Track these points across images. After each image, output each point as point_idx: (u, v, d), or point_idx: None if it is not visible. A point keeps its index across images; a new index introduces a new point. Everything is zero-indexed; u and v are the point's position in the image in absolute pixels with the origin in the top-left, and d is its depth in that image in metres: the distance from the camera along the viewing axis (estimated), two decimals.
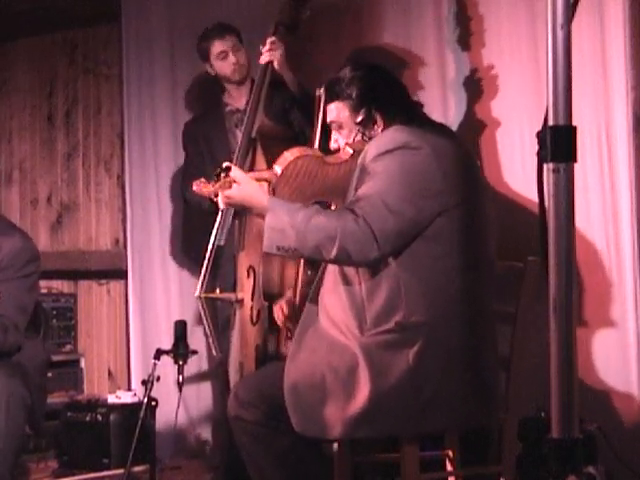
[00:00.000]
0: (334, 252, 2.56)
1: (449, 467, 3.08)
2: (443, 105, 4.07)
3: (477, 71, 4.00)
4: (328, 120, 2.91)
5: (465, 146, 2.89)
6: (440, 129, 2.85)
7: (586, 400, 3.54)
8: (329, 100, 2.90)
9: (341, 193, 2.84)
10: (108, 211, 5.31)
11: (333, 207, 2.99)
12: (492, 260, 2.79)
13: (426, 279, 2.63)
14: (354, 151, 2.84)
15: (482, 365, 2.70)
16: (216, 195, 2.82)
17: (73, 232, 5.42)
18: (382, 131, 2.79)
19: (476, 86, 4.00)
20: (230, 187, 2.75)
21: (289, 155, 2.87)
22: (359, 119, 2.82)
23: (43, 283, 4.72)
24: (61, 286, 5.34)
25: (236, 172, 2.77)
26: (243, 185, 2.74)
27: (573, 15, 1.72)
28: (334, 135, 2.91)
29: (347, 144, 2.87)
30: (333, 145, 2.92)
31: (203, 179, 2.89)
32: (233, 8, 4.55)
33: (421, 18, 4.15)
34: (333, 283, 2.73)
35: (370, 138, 2.80)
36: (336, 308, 2.70)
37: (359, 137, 2.84)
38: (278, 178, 2.83)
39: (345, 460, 3.02)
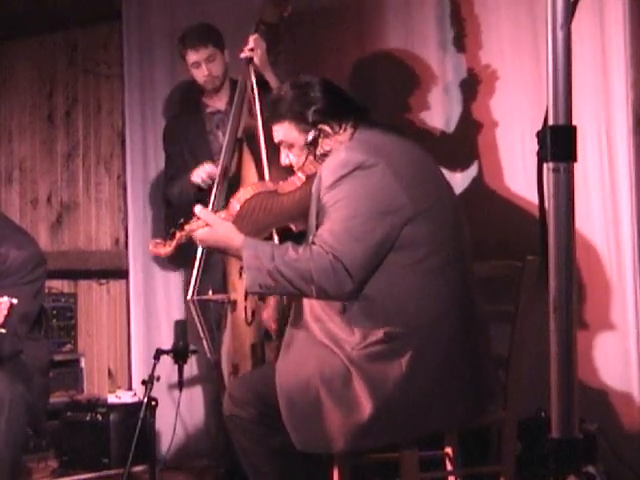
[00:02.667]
0: (313, 292, 2.59)
1: (449, 466, 3.08)
2: (444, 106, 4.07)
3: (477, 71, 4.00)
4: (276, 140, 2.87)
5: (416, 145, 2.83)
6: (389, 131, 2.83)
7: (586, 400, 3.54)
8: (274, 121, 2.85)
9: (300, 216, 2.85)
10: (108, 211, 5.31)
11: (293, 227, 3.02)
12: (469, 255, 2.78)
13: (407, 286, 2.62)
14: (307, 176, 2.84)
15: (476, 361, 2.70)
16: (174, 250, 2.89)
17: (73, 232, 5.42)
18: (333, 143, 2.76)
19: (476, 86, 4.00)
20: (187, 239, 2.80)
21: (244, 194, 2.89)
22: (309, 138, 2.78)
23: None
24: (61, 286, 5.34)
25: (207, 215, 2.80)
26: (216, 227, 2.77)
27: (573, 15, 1.72)
28: (284, 152, 2.87)
29: (299, 169, 2.86)
30: (284, 161, 2.88)
31: (159, 239, 2.95)
32: (233, 8, 4.55)
33: (421, 19, 4.15)
34: (318, 306, 2.72)
35: (322, 155, 2.78)
36: (326, 329, 2.69)
37: (311, 157, 2.81)
38: (235, 217, 2.86)
39: (344, 460, 3.02)
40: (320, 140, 2.78)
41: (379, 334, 2.60)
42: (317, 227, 2.69)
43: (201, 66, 4.14)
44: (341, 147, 2.72)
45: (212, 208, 3.88)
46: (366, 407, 2.57)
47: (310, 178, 2.80)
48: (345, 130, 2.77)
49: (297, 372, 2.67)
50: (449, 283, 2.65)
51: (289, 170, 2.94)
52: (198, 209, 2.82)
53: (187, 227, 2.86)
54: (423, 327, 2.60)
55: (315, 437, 2.62)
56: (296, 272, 2.58)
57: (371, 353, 2.60)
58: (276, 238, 3.29)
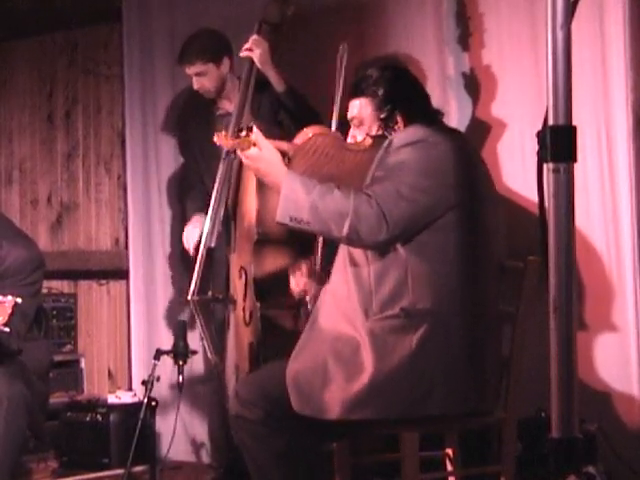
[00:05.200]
0: (345, 230, 2.60)
1: (449, 467, 3.08)
2: (444, 106, 4.06)
3: (477, 71, 4.00)
4: (349, 116, 2.95)
5: (477, 152, 2.97)
6: (456, 135, 2.91)
7: (586, 400, 3.54)
8: (353, 96, 2.94)
9: (354, 181, 2.83)
10: (108, 211, 5.31)
11: None
12: (498, 260, 2.84)
13: (432, 268, 2.67)
14: (374, 139, 2.86)
15: (483, 356, 2.73)
16: (233, 151, 2.82)
17: (73, 232, 5.42)
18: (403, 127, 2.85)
19: (476, 86, 4.00)
20: (249, 147, 2.74)
21: (309, 131, 2.89)
22: (382, 116, 2.86)
23: (43, 283, 4.71)
24: (61, 286, 5.34)
25: (259, 136, 2.76)
26: (264, 150, 2.74)
27: (573, 15, 1.72)
28: (352, 131, 2.95)
29: (368, 135, 2.90)
30: (349, 141, 2.95)
31: (224, 132, 2.88)
32: (233, 8, 4.55)
33: (421, 19, 4.14)
34: (343, 266, 2.77)
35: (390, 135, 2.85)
36: (342, 291, 2.73)
37: (380, 132, 2.88)
38: (295, 151, 2.82)
39: (345, 460, 3.03)
40: (391, 124, 2.86)
41: (396, 309, 2.64)
42: None
43: (192, 79, 4.17)
44: (411, 126, 2.82)
45: (214, 205, 3.89)
46: (366, 377, 2.60)
47: (376, 143, 2.83)
48: (417, 122, 2.82)
49: (311, 349, 2.72)
50: (470, 279, 2.71)
51: None
52: (255, 130, 2.80)
53: (244, 137, 2.79)
54: (437, 311, 2.65)
55: (313, 402, 2.65)
56: (334, 205, 2.61)
57: (386, 325, 2.64)
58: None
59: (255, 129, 2.77)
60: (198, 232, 4.07)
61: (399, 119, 2.86)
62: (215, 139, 2.82)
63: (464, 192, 2.70)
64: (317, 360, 2.68)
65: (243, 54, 3.92)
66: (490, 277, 2.79)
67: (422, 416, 2.68)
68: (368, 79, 2.91)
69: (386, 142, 2.77)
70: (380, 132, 2.87)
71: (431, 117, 2.91)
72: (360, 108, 2.91)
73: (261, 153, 2.74)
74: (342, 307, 2.73)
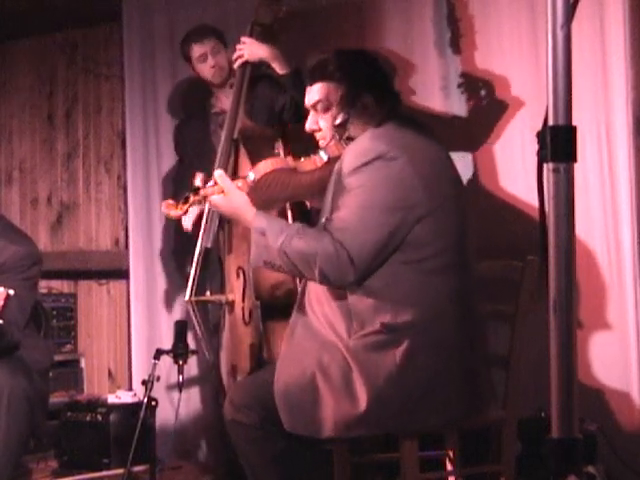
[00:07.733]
0: (315, 274, 2.61)
1: (449, 467, 3.08)
2: (444, 106, 4.07)
3: (477, 71, 4.00)
4: (311, 101, 2.81)
5: (440, 144, 2.82)
6: (416, 125, 2.81)
7: (586, 400, 3.54)
8: (314, 81, 2.80)
9: (316, 194, 2.85)
10: (108, 211, 5.31)
11: (308, 203, 3.04)
12: (472, 259, 2.78)
13: (410, 281, 2.63)
14: (329, 158, 2.82)
15: (471, 362, 2.70)
16: (185, 213, 2.85)
17: (73, 232, 5.42)
18: (370, 114, 2.74)
19: (477, 87, 4.00)
20: (200, 204, 2.78)
21: (263, 167, 2.85)
22: (349, 100, 2.74)
23: (43, 283, 4.72)
24: (61, 286, 5.34)
25: (225, 181, 2.77)
26: (231, 196, 2.75)
27: (573, 15, 1.72)
28: (313, 117, 2.82)
29: (322, 148, 2.83)
30: (312, 126, 2.83)
31: (170, 200, 2.90)
32: (232, 7, 4.55)
33: (420, 19, 4.14)
34: (320, 288, 2.73)
35: (348, 138, 2.76)
36: (324, 312, 2.71)
37: (336, 139, 2.78)
38: (251, 188, 2.82)
39: (344, 460, 3.03)
40: (359, 106, 2.74)
41: (376, 325, 2.61)
42: (332, 209, 2.69)
43: (207, 58, 4.15)
44: (366, 134, 2.71)
45: (209, 208, 3.89)
46: (361, 398, 2.57)
47: (331, 160, 2.79)
48: (378, 114, 2.74)
49: (297, 359, 2.68)
50: (448, 284, 2.66)
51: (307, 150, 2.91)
52: (218, 174, 2.80)
53: (202, 191, 2.81)
54: (420, 322, 2.61)
55: (305, 421, 2.62)
56: (301, 255, 2.61)
57: (368, 343, 2.61)
58: (290, 216, 3.30)
59: (221, 176, 2.78)
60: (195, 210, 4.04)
61: (369, 102, 2.74)
62: (163, 209, 2.87)
63: (432, 202, 2.63)
64: (304, 374, 2.63)
65: (237, 63, 3.91)
66: (469, 277, 2.74)
67: (415, 430, 2.67)
68: (328, 63, 2.79)
69: (342, 157, 2.69)
70: (346, 118, 2.74)
71: (394, 99, 2.83)
72: (326, 92, 2.76)
73: (229, 199, 2.75)
74: (321, 321, 2.70)
